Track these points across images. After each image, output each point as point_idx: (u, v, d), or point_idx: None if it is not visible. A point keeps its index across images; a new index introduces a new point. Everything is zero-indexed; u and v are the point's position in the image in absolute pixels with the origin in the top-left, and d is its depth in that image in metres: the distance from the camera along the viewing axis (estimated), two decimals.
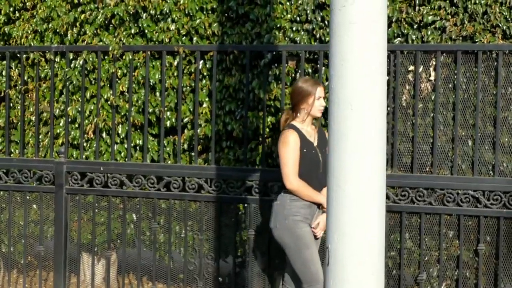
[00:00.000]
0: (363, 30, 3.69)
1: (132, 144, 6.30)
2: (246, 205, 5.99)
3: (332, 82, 3.76)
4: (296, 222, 5.23)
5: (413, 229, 5.68)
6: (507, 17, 5.58)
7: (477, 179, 5.53)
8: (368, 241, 3.74)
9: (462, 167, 5.60)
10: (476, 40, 5.60)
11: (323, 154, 5.31)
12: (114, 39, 6.33)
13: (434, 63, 5.66)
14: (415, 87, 5.63)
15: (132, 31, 6.33)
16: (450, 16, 5.68)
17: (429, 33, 5.69)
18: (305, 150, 5.27)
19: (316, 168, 5.32)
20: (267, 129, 5.99)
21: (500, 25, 5.59)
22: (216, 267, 6.10)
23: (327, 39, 5.83)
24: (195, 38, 6.20)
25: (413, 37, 5.72)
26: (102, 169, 6.27)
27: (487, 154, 5.56)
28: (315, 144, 5.36)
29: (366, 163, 3.73)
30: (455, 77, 5.57)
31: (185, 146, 6.24)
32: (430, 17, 5.68)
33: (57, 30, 6.55)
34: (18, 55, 6.67)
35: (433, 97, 5.64)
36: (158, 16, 6.25)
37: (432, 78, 5.68)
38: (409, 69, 5.70)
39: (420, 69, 5.67)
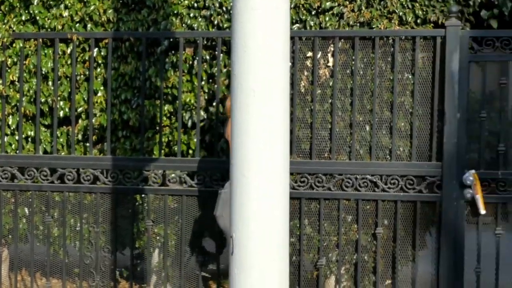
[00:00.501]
0: (266, 16, 3.73)
1: (23, 136, 6.18)
2: (143, 195, 5.97)
3: (235, 68, 3.79)
4: None
5: (312, 215, 5.79)
6: (403, 3, 5.75)
7: (375, 163, 5.68)
8: (273, 228, 3.80)
9: (360, 152, 5.74)
10: (373, 26, 5.75)
11: None
12: (4, 26, 6.18)
13: (332, 49, 5.77)
14: (313, 73, 5.73)
15: (23, 17, 6.20)
16: (347, 2, 5.81)
17: (327, 19, 5.81)
18: None
19: None
20: (164, 118, 5.98)
21: (397, 11, 5.76)
22: (113, 259, 6.06)
23: (225, 25, 5.87)
24: (89, 25, 6.13)
25: (311, 23, 5.83)
26: None
27: (384, 138, 5.71)
28: None
29: (269, 150, 3.78)
30: (353, 63, 5.70)
31: (80, 136, 6.17)
32: (328, 3, 5.80)
33: None
34: None
35: (331, 83, 5.75)
36: (51, 2, 6.15)
37: (330, 64, 5.79)
38: (308, 55, 5.80)
39: (319, 55, 5.77)
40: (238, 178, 3.81)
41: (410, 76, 5.69)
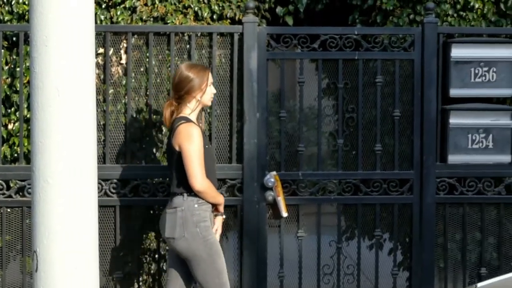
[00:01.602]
0: (70, 6, 3.58)
1: None
2: None
3: (35, 65, 3.61)
4: (207, 228, 4.84)
5: (108, 223, 5.62)
6: None
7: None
8: (82, 239, 3.65)
9: (156, 155, 5.67)
10: (168, 22, 5.70)
11: (212, 149, 5.09)
12: None
13: (125, 45, 5.66)
14: (105, 71, 5.59)
15: None
16: None
17: (118, 13, 5.68)
18: (206, 147, 4.87)
19: (214, 165, 5.02)
20: None
21: (192, 6, 5.75)
22: None
23: (6, 18, 5.62)
24: None
25: (102, 17, 5.69)
26: None
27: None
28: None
29: (77, 154, 3.63)
30: (147, 60, 5.61)
31: None
32: None
33: None
34: None
35: (124, 82, 5.63)
36: None
37: (123, 61, 5.68)
38: (99, 51, 5.64)
39: (110, 52, 5.64)
40: (41, 185, 3.63)
41: None
